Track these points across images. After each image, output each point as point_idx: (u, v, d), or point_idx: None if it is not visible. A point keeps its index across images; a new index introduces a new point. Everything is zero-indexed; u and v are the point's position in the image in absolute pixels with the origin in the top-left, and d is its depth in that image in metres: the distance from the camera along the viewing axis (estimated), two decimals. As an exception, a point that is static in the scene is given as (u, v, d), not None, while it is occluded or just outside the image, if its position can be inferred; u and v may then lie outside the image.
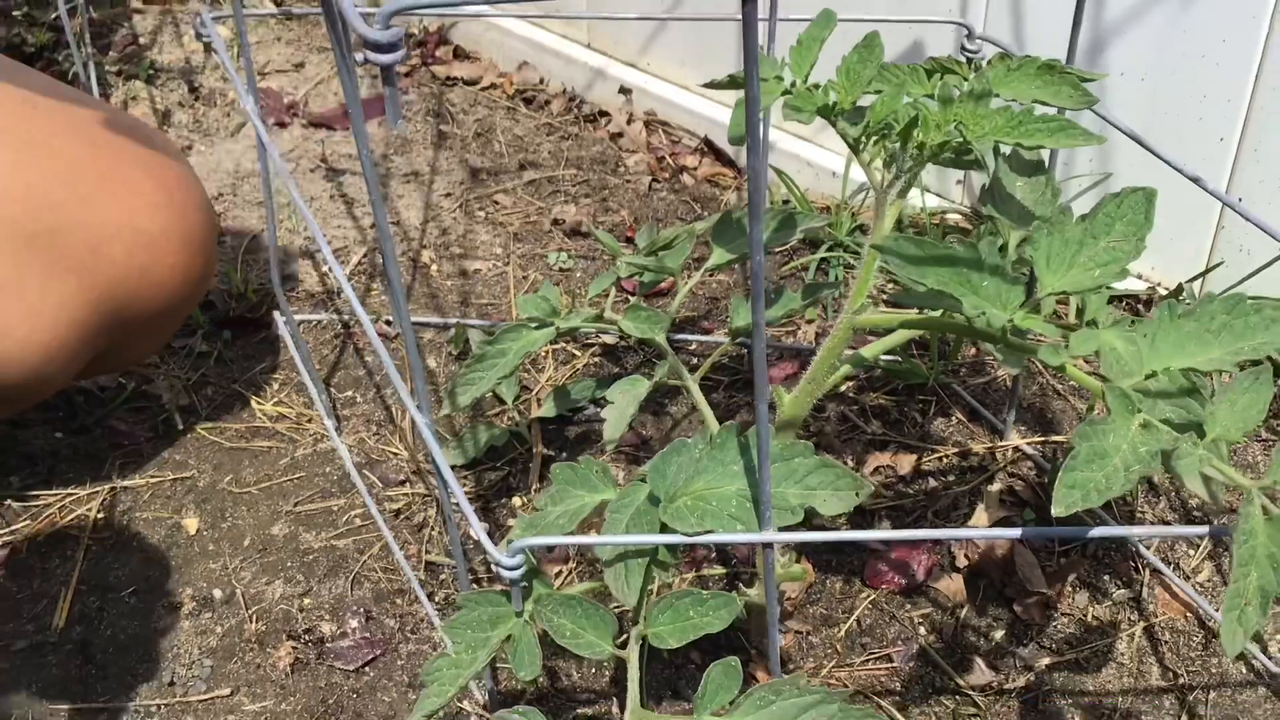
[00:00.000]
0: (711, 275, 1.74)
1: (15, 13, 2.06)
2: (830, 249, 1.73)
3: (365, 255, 1.78)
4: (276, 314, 1.62)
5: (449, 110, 2.09)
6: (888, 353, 1.55)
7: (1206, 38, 1.45)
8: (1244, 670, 1.25)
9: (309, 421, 1.54)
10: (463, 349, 1.63)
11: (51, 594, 1.35)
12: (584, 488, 1.04)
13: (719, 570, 1.36)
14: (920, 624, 1.31)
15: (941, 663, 1.27)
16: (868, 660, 1.28)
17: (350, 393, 1.59)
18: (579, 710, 1.24)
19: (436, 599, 1.34)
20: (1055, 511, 0.80)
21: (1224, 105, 1.47)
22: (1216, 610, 1.29)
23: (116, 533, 1.41)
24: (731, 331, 1.32)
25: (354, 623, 1.31)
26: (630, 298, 1.67)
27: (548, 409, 1.51)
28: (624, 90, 2.05)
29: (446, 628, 1.00)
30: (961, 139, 1.00)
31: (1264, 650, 1.27)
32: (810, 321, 1.66)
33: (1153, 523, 1.39)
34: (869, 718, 0.93)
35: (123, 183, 1.30)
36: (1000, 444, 1.47)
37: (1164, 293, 1.63)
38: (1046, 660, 1.26)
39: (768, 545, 0.92)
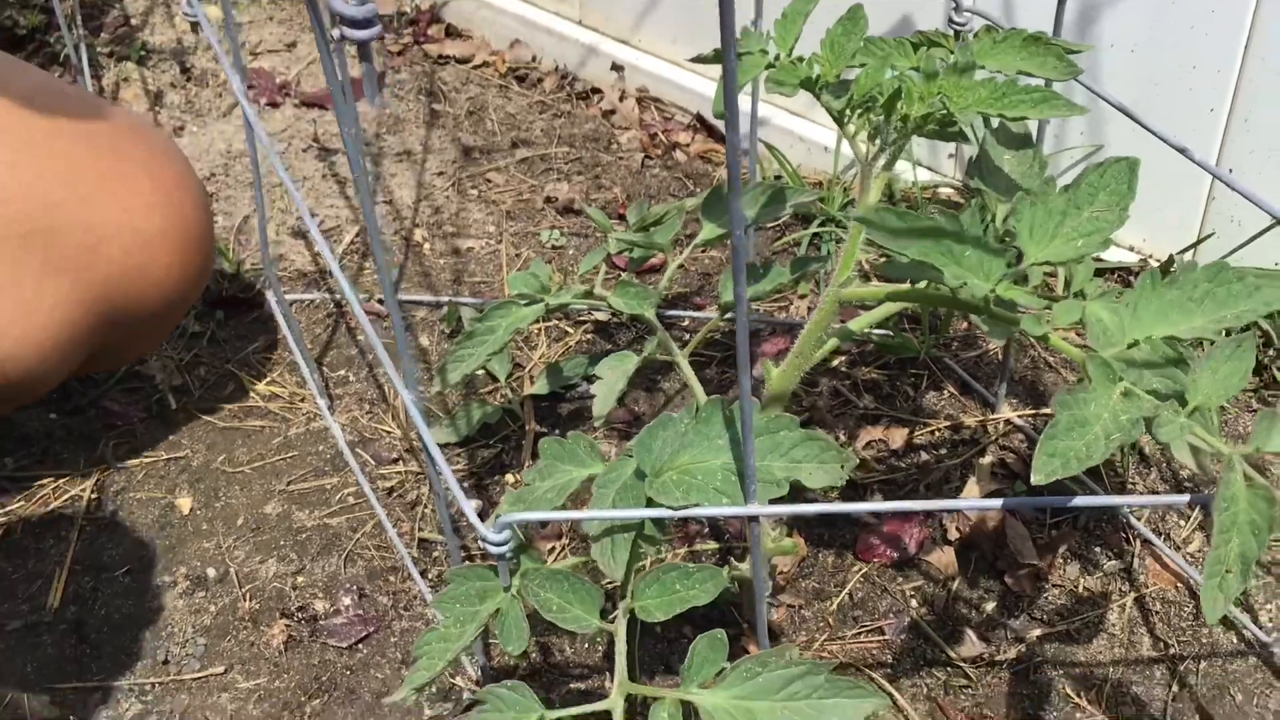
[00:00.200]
0: (704, 251, 1.74)
1: (6, -5, 2.06)
2: (822, 224, 1.73)
3: (358, 234, 1.78)
4: (269, 294, 1.62)
5: (441, 89, 2.08)
6: (879, 327, 1.55)
7: (1195, 9, 1.45)
8: (1234, 640, 1.26)
9: (302, 400, 1.54)
10: (455, 327, 1.64)
11: (46, 574, 1.35)
12: (572, 462, 1.04)
13: (712, 545, 1.36)
14: (912, 597, 1.31)
15: (933, 635, 1.27)
16: (859, 633, 1.28)
17: (343, 371, 1.59)
18: (572, 685, 1.25)
19: (429, 576, 1.34)
20: (1035, 479, 0.80)
21: (1213, 76, 1.47)
22: (1206, 580, 1.29)
23: (110, 513, 1.42)
24: (721, 306, 1.32)
25: (347, 600, 1.32)
26: (622, 274, 1.67)
27: (540, 386, 1.52)
28: (616, 67, 2.05)
29: (435, 602, 1.00)
30: (945, 111, 1.00)
31: (1254, 620, 1.27)
32: (802, 297, 1.66)
33: (1144, 494, 1.39)
34: (855, 688, 0.93)
35: (121, 182, 1.29)
36: (992, 417, 1.48)
37: (1156, 265, 1.63)
38: (1038, 631, 1.27)
39: (753, 519, 0.92)
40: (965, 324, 1.60)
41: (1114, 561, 1.33)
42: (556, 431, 1.50)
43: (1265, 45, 1.42)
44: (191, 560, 1.37)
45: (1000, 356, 1.51)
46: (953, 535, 1.35)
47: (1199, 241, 1.58)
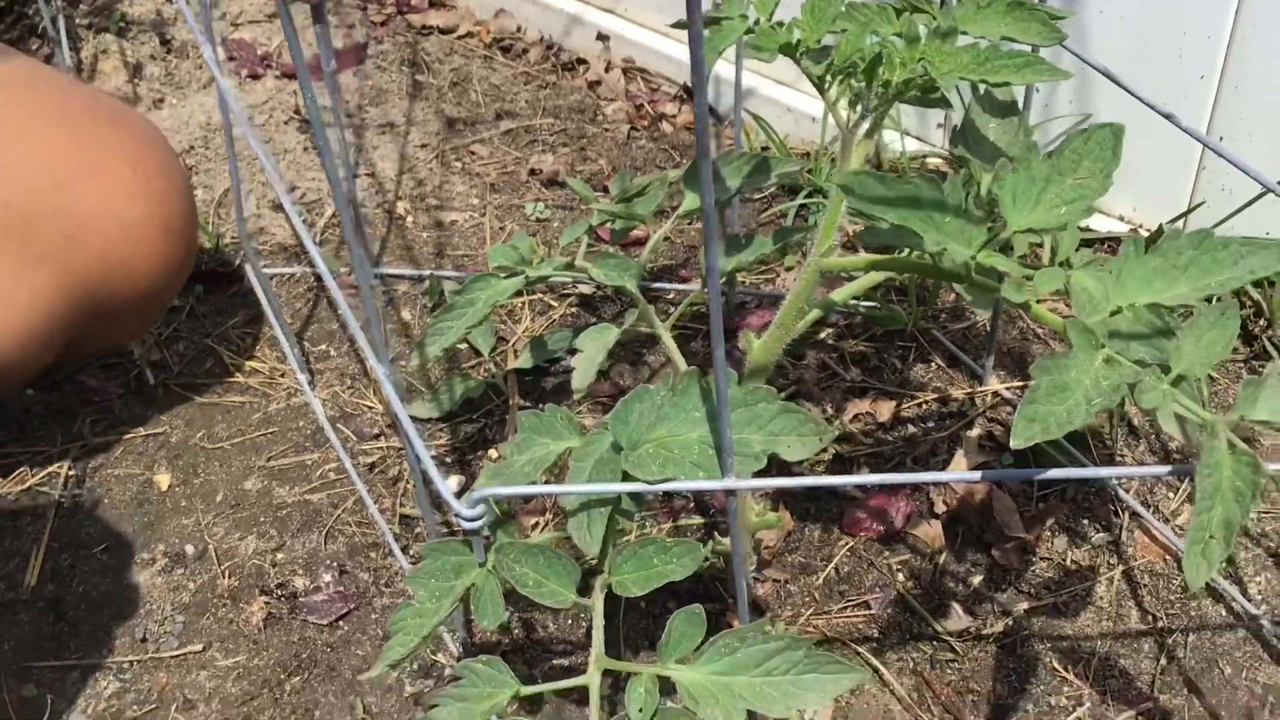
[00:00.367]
0: (689, 223, 1.72)
1: (-16, -33, 2.04)
2: (809, 195, 1.71)
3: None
4: (248, 268, 1.60)
5: (424, 60, 2.06)
6: (867, 299, 1.54)
7: (1187, -27, 1.43)
8: (1223, 613, 1.25)
9: (282, 376, 1.52)
10: (437, 301, 1.62)
11: (23, 551, 1.34)
12: (549, 435, 1.02)
13: (697, 520, 1.35)
14: (898, 570, 1.30)
15: (919, 609, 1.26)
16: (846, 607, 1.27)
17: (324, 346, 1.57)
18: (554, 660, 1.24)
19: (411, 552, 1.33)
20: (1014, 443, 0.79)
21: (1204, 42, 1.45)
22: (1195, 552, 1.28)
23: (88, 490, 1.40)
24: (704, 278, 1.30)
25: (327, 577, 1.31)
26: (606, 246, 1.65)
27: (524, 360, 1.50)
28: (601, 37, 2.03)
29: (410, 578, 0.99)
30: (927, 77, 0.98)
31: (1243, 593, 1.26)
32: (789, 269, 1.65)
33: (1129, 465, 1.37)
34: (834, 663, 0.92)
35: (102, 170, 1.28)
36: (979, 389, 1.46)
37: (1146, 235, 1.61)
38: (1025, 605, 1.26)
39: (730, 492, 0.91)
40: (953, 296, 1.58)
41: (1102, 534, 1.32)
42: (540, 406, 1.48)
43: (1256, 10, 1.40)
44: (170, 537, 1.35)
45: (988, 328, 1.49)
46: (939, 509, 1.34)
47: (1189, 211, 1.56)
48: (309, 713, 1.20)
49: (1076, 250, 1.20)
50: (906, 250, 1.12)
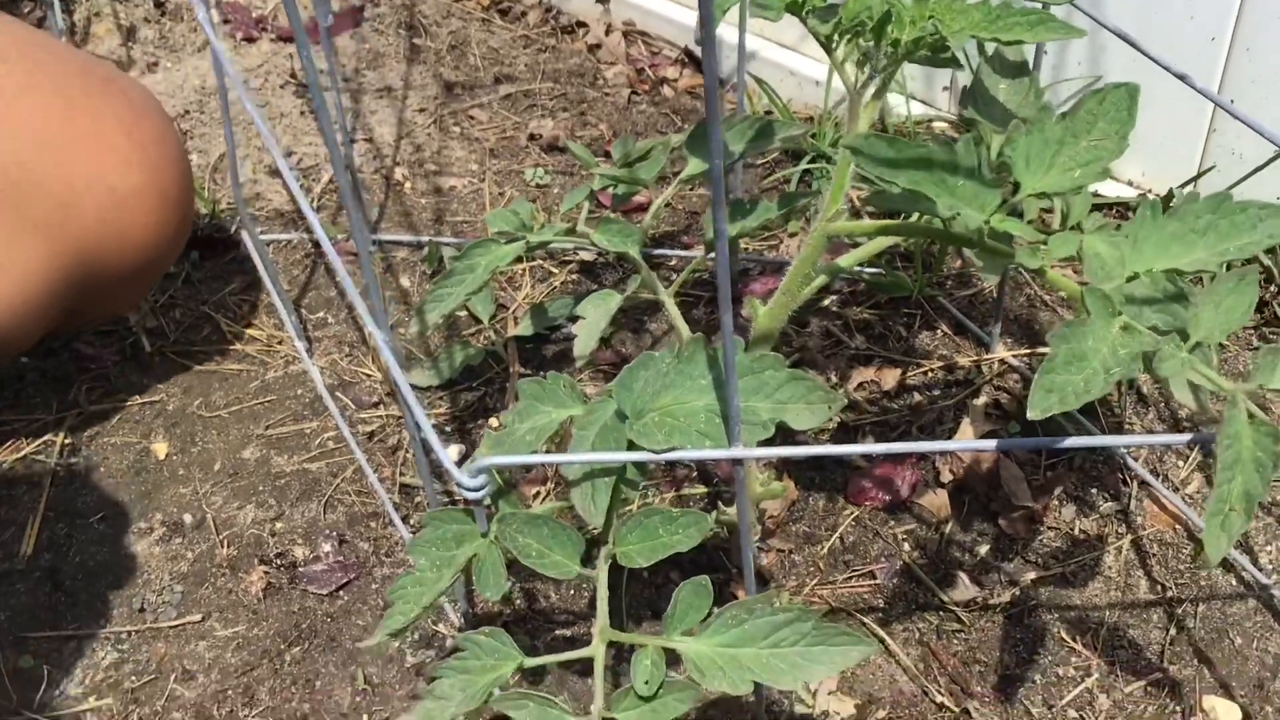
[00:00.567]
0: (691, 188, 1.70)
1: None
2: (813, 160, 1.69)
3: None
4: (245, 234, 1.58)
5: (421, 22, 2.03)
6: (871, 265, 1.52)
7: (1199, -68, 1.40)
8: (1233, 583, 1.23)
9: (280, 343, 1.50)
10: (437, 267, 1.60)
11: (19, 521, 1.32)
12: (551, 403, 1.00)
13: (700, 489, 1.34)
14: (904, 540, 1.28)
15: (925, 579, 1.25)
16: (851, 577, 1.26)
17: (322, 313, 1.55)
18: (557, 630, 1.22)
19: (411, 522, 1.31)
20: (1031, 415, 0.77)
21: (1215, 2, 1.42)
22: (1205, 521, 1.27)
23: (84, 458, 1.38)
24: (706, 244, 1.28)
25: (327, 547, 1.29)
26: (607, 212, 1.63)
27: (525, 328, 1.48)
28: None
29: (411, 547, 0.97)
30: (937, 35, 0.96)
31: (1254, 562, 1.24)
32: (793, 235, 1.63)
33: (1142, 434, 1.36)
34: (843, 635, 0.91)
35: (96, 139, 1.25)
36: (986, 357, 1.44)
37: (1155, 199, 1.59)
38: (1032, 575, 1.24)
39: (737, 461, 0.89)
40: (959, 262, 1.56)
41: (1111, 503, 1.30)
42: (541, 373, 1.46)
43: (1270, -30, 1.38)
44: (168, 506, 1.34)
45: (995, 295, 1.47)
46: (946, 478, 1.32)
47: (1199, 175, 1.54)
48: (309, 683, 1.19)
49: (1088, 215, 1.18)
50: (915, 214, 1.10)
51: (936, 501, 1.30)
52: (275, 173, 1.73)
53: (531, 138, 1.80)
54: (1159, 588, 1.23)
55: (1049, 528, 1.28)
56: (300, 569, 1.27)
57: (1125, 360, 0.81)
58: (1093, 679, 1.17)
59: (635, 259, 1.21)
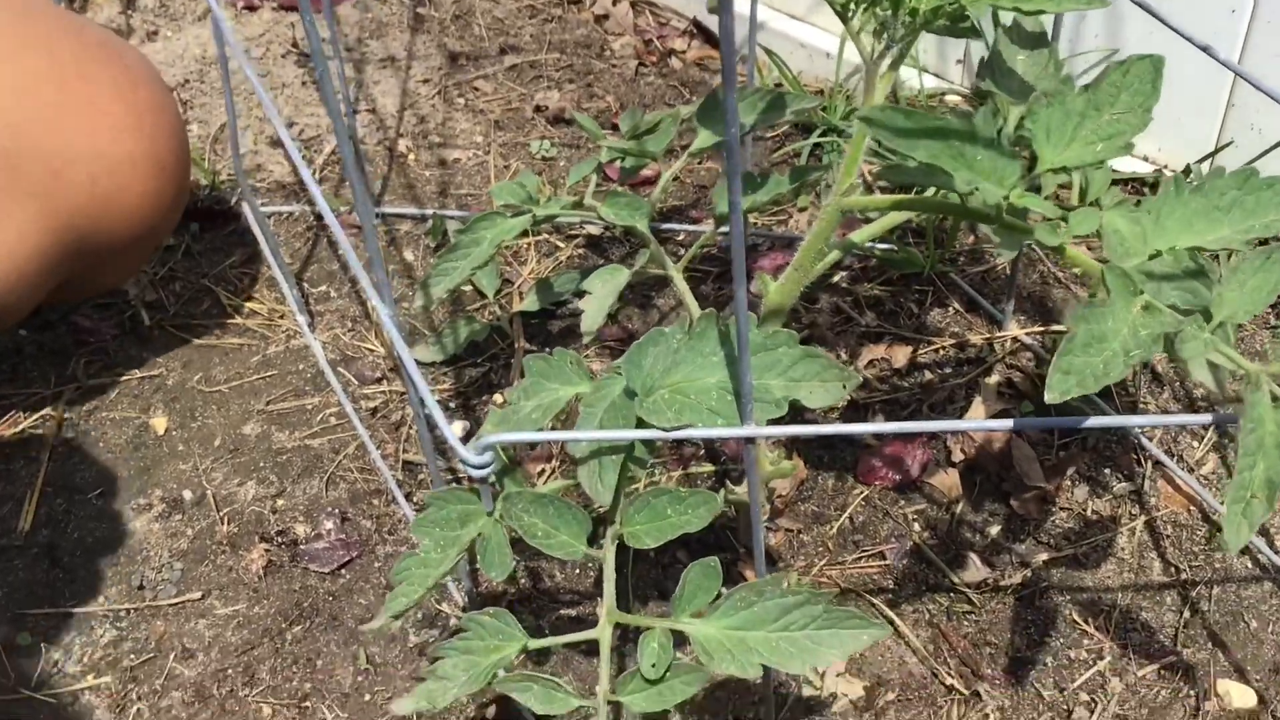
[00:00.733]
0: (700, 162, 1.67)
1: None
2: (824, 134, 1.66)
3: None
4: (245, 206, 1.55)
5: (427, -7, 2.00)
6: (882, 240, 1.49)
7: (1221, -98, 1.37)
8: (1249, 565, 1.21)
9: (281, 318, 1.48)
10: (441, 241, 1.57)
11: (16, 496, 1.30)
12: (558, 380, 0.98)
13: (708, 468, 1.32)
14: (914, 520, 1.26)
15: (936, 559, 1.23)
16: (860, 558, 1.24)
17: (324, 287, 1.53)
18: (562, 610, 1.21)
19: (415, 499, 1.29)
20: (1049, 398, 0.75)
21: (1238, -26, 1.40)
22: (1221, 503, 1.25)
23: (83, 433, 1.36)
24: (717, 219, 1.26)
25: (329, 524, 1.27)
26: (614, 186, 1.61)
27: (530, 303, 1.46)
28: (609, -30, 1.97)
29: (415, 526, 0.95)
30: (957, 4, 0.93)
31: (1270, 545, 1.22)
32: (802, 210, 1.60)
33: (1155, 413, 1.34)
34: (854, 618, 0.89)
35: (91, 105, 1.23)
36: (998, 335, 1.42)
37: (1171, 175, 1.56)
38: (1044, 556, 1.22)
39: (750, 440, 0.87)
40: (972, 238, 1.54)
41: (1124, 484, 1.28)
42: (547, 349, 1.44)
43: (1293, -59, 1.35)
44: (167, 482, 1.32)
45: (1008, 272, 1.45)
46: (957, 457, 1.30)
47: (1217, 150, 1.51)
48: (310, 662, 1.17)
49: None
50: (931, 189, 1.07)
51: (947, 481, 1.29)
52: (276, 144, 1.71)
53: (537, 109, 1.77)
54: (1173, 570, 1.21)
55: (1061, 508, 1.26)
56: (301, 547, 1.26)
57: (1146, 341, 0.78)
58: (1105, 662, 1.15)
59: (644, 233, 1.19)
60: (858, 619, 0.89)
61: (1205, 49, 1.06)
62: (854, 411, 1.35)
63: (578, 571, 1.23)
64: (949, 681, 1.14)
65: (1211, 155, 1.52)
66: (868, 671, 1.15)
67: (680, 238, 1.57)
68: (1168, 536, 1.24)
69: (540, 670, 1.06)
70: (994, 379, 1.37)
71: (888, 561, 1.23)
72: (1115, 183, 1.57)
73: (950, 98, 1.70)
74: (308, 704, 1.14)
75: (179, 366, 1.43)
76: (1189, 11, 1.44)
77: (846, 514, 1.27)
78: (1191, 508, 1.26)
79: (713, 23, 1.87)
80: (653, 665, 0.90)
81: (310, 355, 1.44)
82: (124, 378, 1.42)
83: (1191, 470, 1.29)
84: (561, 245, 1.57)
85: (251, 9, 1.92)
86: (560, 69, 1.84)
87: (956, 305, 1.46)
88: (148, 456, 1.34)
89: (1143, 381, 1.36)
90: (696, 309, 1.13)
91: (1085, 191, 1.43)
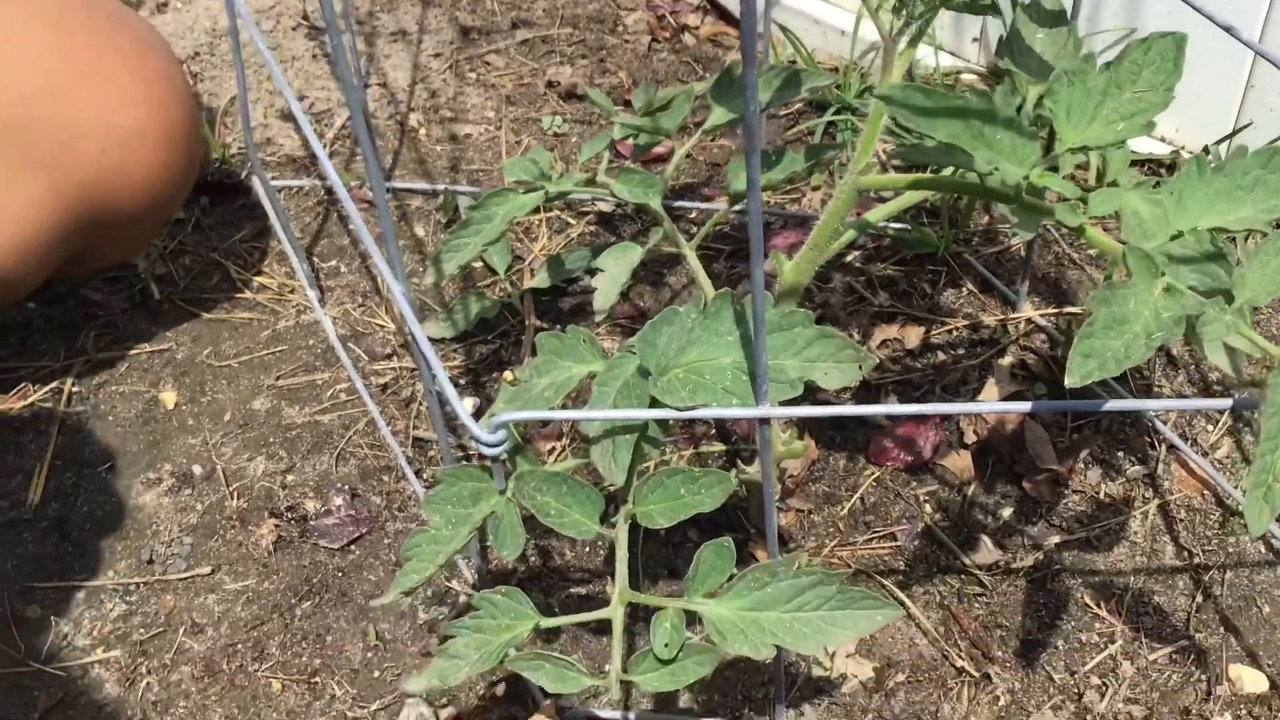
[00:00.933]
0: (713, 139, 1.66)
1: None
2: (838, 112, 1.65)
3: (350, 118, 1.70)
4: (255, 180, 1.55)
5: (439, -34, 1.99)
6: (897, 220, 1.48)
7: (1243, -121, 1.36)
8: (1262, 549, 1.21)
9: (291, 292, 1.48)
10: (452, 216, 1.57)
11: (26, 469, 1.30)
12: (571, 358, 0.98)
13: (718, 447, 1.31)
14: (926, 502, 1.26)
15: (947, 541, 1.22)
16: (871, 539, 1.23)
17: (334, 262, 1.52)
18: (572, 590, 1.20)
19: (424, 476, 1.29)
20: (1069, 382, 0.74)
21: (1259, -47, 1.38)
22: (1235, 488, 1.24)
23: (92, 406, 1.36)
24: (730, 196, 1.25)
25: (339, 500, 1.27)
26: (626, 162, 1.59)
27: (541, 279, 1.45)
28: (623, -55, 1.95)
29: (426, 503, 0.95)
30: (978, -19, 0.92)
31: (1283, 528, 1.22)
32: (815, 189, 1.59)
33: (1170, 397, 1.33)
34: (867, 599, 0.88)
35: (99, 76, 1.22)
36: (1012, 316, 1.41)
37: (1188, 157, 1.55)
38: (1056, 538, 1.22)
39: (764, 421, 0.86)
40: (986, 218, 1.53)
41: (1137, 467, 1.27)
42: (558, 326, 1.43)
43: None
44: (177, 457, 1.32)
45: (1023, 253, 1.44)
46: (969, 438, 1.30)
47: (1235, 131, 1.50)
48: (320, 638, 1.17)
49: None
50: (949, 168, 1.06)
51: (959, 463, 1.28)
52: (287, 117, 1.70)
53: (549, 85, 1.76)
54: (1185, 554, 1.21)
55: (1074, 491, 1.26)
56: (311, 522, 1.25)
57: (1168, 324, 0.78)
58: (1116, 645, 1.14)
59: (657, 211, 1.18)
60: (871, 600, 0.89)
61: (1228, 29, 1.04)
62: (866, 392, 1.34)
63: (587, 550, 1.23)
64: (959, 663, 1.13)
65: (1230, 136, 1.51)
66: (878, 653, 1.15)
67: (693, 215, 1.56)
68: (1181, 520, 1.23)
69: (550, 649, 1.06)
70: (1008, 360, 1.36)
71: (899, 543, 1.23)
72: (1132, 164, 1.55)
73: (966, 76, 1.68)
74: (317, 680, 1.14)
75: (189, 340, 1.43)
76: (1209, -9, 1.42)
77: (858, 495, 1.26)
78: (1205, 492, 1.25)
79: (726, -1, 1.86)
80: (665, 645, 0.89)
81: (320, 330, 1.43)
82: (133, 351, 1.41)
83: (1205, 454, 1.28)
84: (573, 222, 1.56)
85: (262, -19, 1.91)
86: (572, 44, 1.83)
87: (970, 286, 1.45)
88: (157, 431, 1.34)
89: (1157, 364, 1.35)
90: (710, 288, 1.12)
91: (1102, 172, 1.42)
